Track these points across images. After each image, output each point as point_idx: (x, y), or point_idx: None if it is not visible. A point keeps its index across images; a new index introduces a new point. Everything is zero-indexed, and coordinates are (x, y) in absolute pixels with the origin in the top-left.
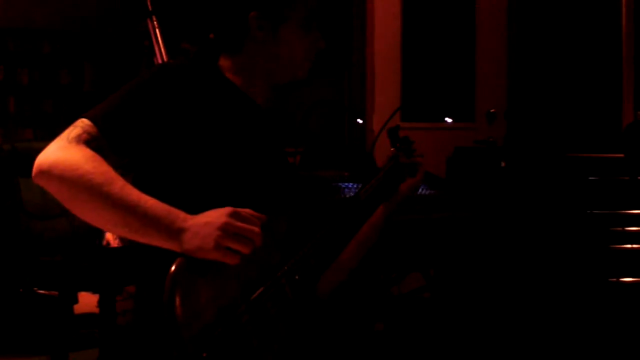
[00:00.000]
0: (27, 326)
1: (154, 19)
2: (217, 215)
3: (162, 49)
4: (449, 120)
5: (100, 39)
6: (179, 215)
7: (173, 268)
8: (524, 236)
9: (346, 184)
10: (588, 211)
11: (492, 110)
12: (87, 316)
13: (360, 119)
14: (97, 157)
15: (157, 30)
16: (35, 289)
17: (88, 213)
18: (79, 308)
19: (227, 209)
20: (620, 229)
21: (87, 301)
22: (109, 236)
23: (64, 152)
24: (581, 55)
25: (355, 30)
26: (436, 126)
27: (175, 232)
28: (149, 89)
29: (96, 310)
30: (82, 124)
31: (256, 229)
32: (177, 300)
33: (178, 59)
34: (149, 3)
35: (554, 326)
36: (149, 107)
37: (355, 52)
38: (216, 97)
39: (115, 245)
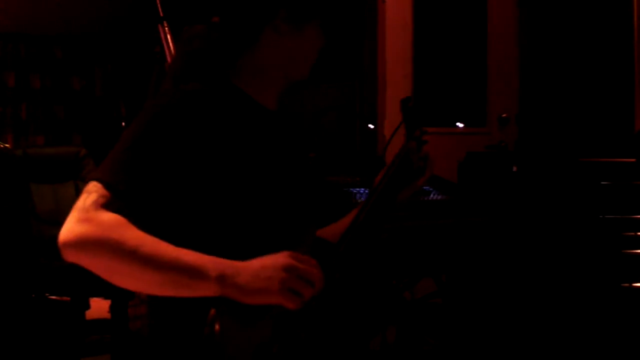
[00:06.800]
0: (39, 332)
1: (165, 24)
2: (275, 258)
3: (174, 55)
4: (460, 125)
5: (112, 45)
6: (225, 262)
7: (209, 325)
8: (536, 241)
9: (358, 189)
10: (600, 216)
11: (503, 115)
12: (99, 322)
13: (372, 124)
14: (120, 221)
15: (169, 36)
16: (47, 294)
17: (128, 281)
18: (90, 314)
19: (285, 252)
20: (632, 233)
21: (99, 307)
22: None
23: (85, 225)
24: (592, 60)
25: (366, 35)
26: (448, 131)
27: (227, 278)
28: (157, 132)
29: (108, 315)
30: (94, 189)
31: (317, 272)
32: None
33: (188, 85)
34: (160, 9)
35: (566, 331)
36: (161, 152)
37: (366, 57)
38: (229, 116)
39: None
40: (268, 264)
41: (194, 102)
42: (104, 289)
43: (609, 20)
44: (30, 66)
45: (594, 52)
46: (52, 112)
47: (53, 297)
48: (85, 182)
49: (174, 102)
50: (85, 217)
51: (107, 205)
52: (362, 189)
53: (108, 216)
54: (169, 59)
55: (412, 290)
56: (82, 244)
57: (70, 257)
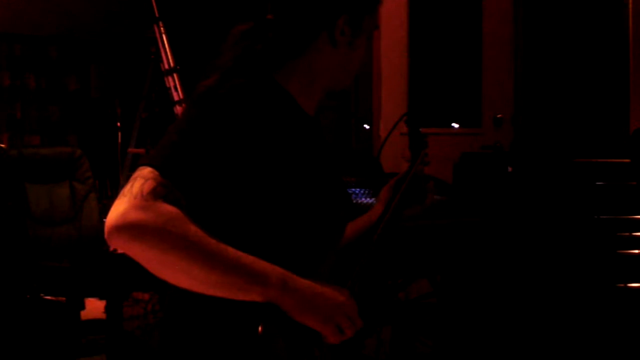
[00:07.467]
0: (34, 332)
1: (161, 24)
2: (336, 292)
3: (169, 55)
4: (455, 125)
5: (107, 45)
6: (285, 271)
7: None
8: (531, 242)
9: (353, 189)
10: (595, 216)
11: (498, 116)
12: (94, 322)
13: (367, 125)
14: (181, 215)
15: (164, 36)
16: (42, 295)
17: (180, 276)
18: (85, 314)
19: (345, 291)
20: (627, 234)
21: (94, 307)
22: None
23: (143, 212)
24: (588, 60)
25: None
26: (443, 132)
27: (290, 286)
28: (213, 124)
29: (103, 316)
30: (151, 175)
31: (359, 318)
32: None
33: (230, 79)
34: (155, 9)
35: (561, 331)
36: (217, 145)
37: None
38: (278, 115)
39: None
40: (330, 294)
41: (247, 97)
42: (99, 289)
43: (604, 22)
44: (25, 66)
45: (589, 53)
46: (47, 113)
47: (48, 297)
48: (138, 165)
49: (229, 95)
50: (143, 204)
51: (167, 195)
52: (358, 189)
53: (169, 208)
54: (164, 59)
55: (407, 290)
56: (138, 231)
57: (120, 242)
